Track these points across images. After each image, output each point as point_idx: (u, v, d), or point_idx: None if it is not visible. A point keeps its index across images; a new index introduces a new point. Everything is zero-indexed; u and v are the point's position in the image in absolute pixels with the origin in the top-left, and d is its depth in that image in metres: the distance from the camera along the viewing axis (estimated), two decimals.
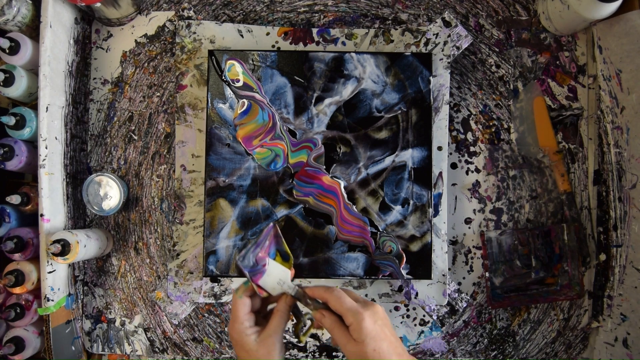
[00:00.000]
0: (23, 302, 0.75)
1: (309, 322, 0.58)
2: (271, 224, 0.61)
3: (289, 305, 0.56)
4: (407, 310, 0.82)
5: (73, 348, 0.79)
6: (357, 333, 0.52)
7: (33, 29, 0.75)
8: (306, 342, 0.81)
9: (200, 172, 0.79)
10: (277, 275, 0.56)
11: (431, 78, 0.76)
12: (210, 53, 0.76)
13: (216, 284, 0.79)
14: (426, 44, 0.79)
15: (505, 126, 0.82)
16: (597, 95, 0.79)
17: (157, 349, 0.82)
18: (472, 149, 0.82)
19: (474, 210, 0.82)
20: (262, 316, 0.58)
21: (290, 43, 0.81)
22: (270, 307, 0.59)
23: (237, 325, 0.55)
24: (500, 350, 0.82)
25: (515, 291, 0.80)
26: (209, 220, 0.75)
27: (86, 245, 0.73)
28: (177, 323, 0.82)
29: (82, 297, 0.82)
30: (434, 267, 0.77)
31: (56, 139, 0.75)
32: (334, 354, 0.81)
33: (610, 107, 0.78)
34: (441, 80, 0.78)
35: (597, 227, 0.80)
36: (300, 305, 0.57)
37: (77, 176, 0.81)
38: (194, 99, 0.79)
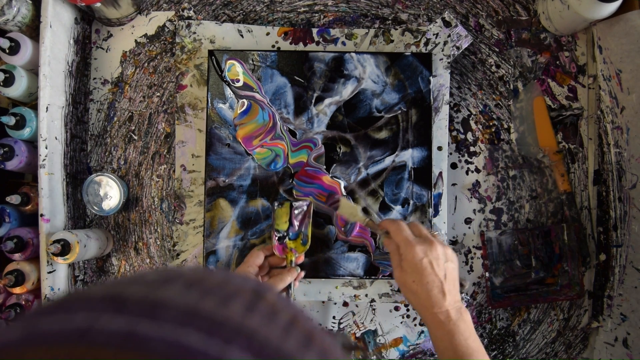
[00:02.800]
0: (23, 302, 0.75)
1: None
2: (309, 201, 0.72)
3: (291, 276, 0.66)
4: (407, 310, 0.82)
5: None
6: (404, 262, 0.57)
7: (33, 29, 0.75)
8: None
9: (200, 172, 0.79)
10: (348, 210, 0.68)
11: (431, 78, 0.76)
12: (210, 53, 0.76)
13: None
14: (426, 44, 0.79)
15: (505, 126, 0.82)
16: (597, 95, 0.79)
17: None
18: (472, 149, 0.82)
19: (474, 210, 0.82)
20: (264, 279, 0.67)
21: (290, 43, 0.80)
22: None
23: (244, 267, 0.64)
24: (500, 350, 0.82)
25: (515, 291, 0.80)
26: (209, 220, 0.75)
27: (86, 245, 0.73)
28: None
29: None
30: None
31: (56, 139, 0.75)
32: None
33: (610, 107, 0.78)
34: (441, 80, 0.78)
35: (597, 227, 0.80)
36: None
37: (77, 176, 0.81)
38: (194, 99, 0.79)
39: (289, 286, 0.67)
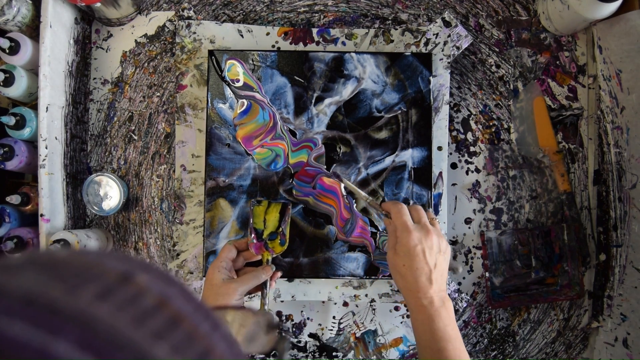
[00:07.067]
0: None
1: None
2: (289, 201, 0.72)
3: (265, 274, 0.64)
4: (407, 310, 0.82)
5: None
6: (399, 246, 0.59)
7: (33, 29, 0.75)
8: (306, 342, 0.81)
9: (200, 172, 0.79)
10: (352, 188, 0.69)
11: (431, 78, 0.76)
12: (210, 53, 0.76)
13: None
14: (426, 44, 0.79)
15: (505, 126, 0.82)
16: (597, 95, 0.79)
17: None
18: (472, 149, 0.82)
19: (474, 210, 0.82)
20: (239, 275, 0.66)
21: (290, 43, 0.80)
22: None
23: (216, 262, 0.63)
24: (500, 350, 0.82)
25: (515, 291, 0.80)
26: (209, 220, 0.75)
27: (86, 245, 0.73)
28: None
29: None
30: None
31: (56, 139, 0.75)
32: (334, 354, 0.81)
33: (610, 107, 0.78)
34: (441, 80, 0.78)
35: (597, 227, 0.80)
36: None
37: (77, 176, 0.81)
38: (194, 99, 0.79)
39: (264, 285, 0.65)
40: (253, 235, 0.68)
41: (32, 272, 0.19)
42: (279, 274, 0.69)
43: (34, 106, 0.77)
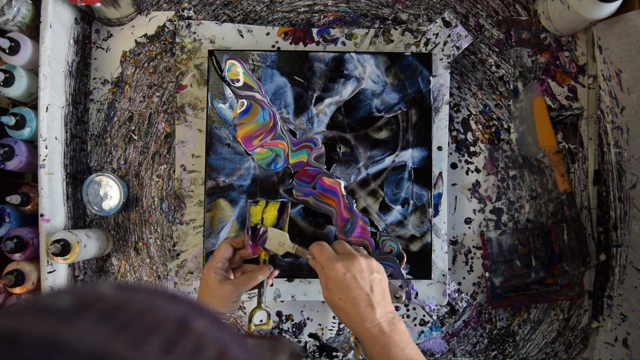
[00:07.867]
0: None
1: (263, 316, 0.67)
2: (288, 202, 0.72)
3: (262, 275, 0.64)
4: (407, 310, 0.82)
5: None
6: (329, 281, 0.57)
7: (33, 29, 0.75)
8: (306, 342, 0.81)
9: (200, 172, 0.79)
10: (277, 239, 0.66)
11: (431, 78, 0.76)
12: (210, 53, 0.76)
13: None
14: (426, 44, 0.79)
15: (505, 126, 0.82)
16: (597, 95, 0.79)
17: None
18: (472, 149, 0.82)
19: (474, 210, 0.82)
20: (236, 274, 0.66)
21: (290, 43, 0.80)
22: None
23: (212, 262, 0.62)
24: (500, 350, 0.82)
25: (515, 291, 0.80)
26: (209, 220, 0.75)
27: (86, 245, 0.73)
28: None
29: None
30: (434, 267, 0.77)
31: (56, 139, 0.75)
32: (334, 354, 0.81)
33: (610, 107, 0.78)
34: (441, 80, 0.78)
35: (597, 227, 0.80)
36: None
37: (77, 176, 0.81)
38: (194, 99, 0.79)
39: (262, 285, 0.65)
40: (250, 234, 0.68)
41: (89, 322, 0.18)
42: (276, 272, 0.69)
43: (34, 106, 0.77)
